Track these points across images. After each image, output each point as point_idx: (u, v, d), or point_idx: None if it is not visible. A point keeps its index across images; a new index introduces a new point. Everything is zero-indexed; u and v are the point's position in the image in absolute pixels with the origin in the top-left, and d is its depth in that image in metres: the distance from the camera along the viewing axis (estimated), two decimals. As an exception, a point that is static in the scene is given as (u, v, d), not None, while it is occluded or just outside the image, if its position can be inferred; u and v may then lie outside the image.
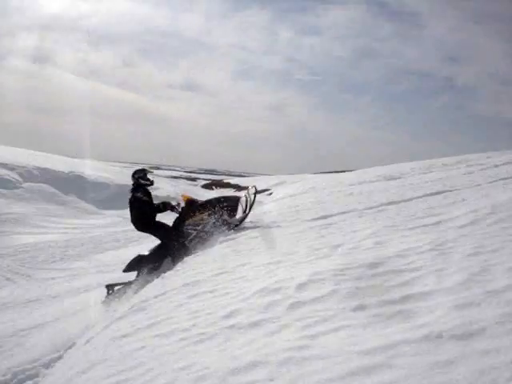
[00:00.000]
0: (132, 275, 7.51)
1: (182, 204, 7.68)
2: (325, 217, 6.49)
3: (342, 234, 4.91)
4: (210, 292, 3.88)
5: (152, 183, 7.69)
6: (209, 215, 7.42)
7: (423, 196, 7.17)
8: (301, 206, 8.91)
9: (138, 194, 7.45)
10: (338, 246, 4.32)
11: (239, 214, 7.66)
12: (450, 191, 7.30)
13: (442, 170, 12.46)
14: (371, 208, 6.63)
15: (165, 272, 6.96)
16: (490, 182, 7.74)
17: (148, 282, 6.75)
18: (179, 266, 5.87)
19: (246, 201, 7.76)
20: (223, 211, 7.44)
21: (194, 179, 54.84)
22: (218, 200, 7.61)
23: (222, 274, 4.43)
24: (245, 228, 7.16)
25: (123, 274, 7.60)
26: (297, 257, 4.33)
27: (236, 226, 7.45)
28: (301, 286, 3.24)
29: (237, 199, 7.74)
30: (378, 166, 17.91)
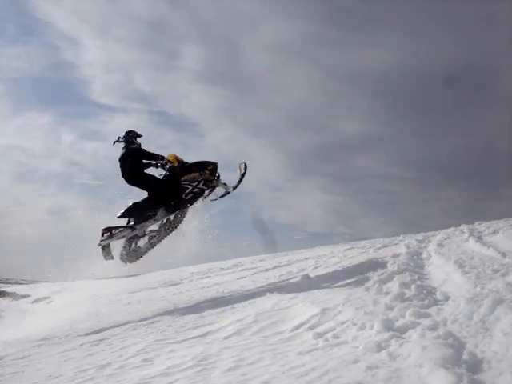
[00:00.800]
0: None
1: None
2: (97, 331, 6.21)
3: (112, 352, 4.75)
4: None
5: (140, 146, 8.52)
6: (200, 175, 8.73)
7: (197, 303, 7.36)
8: (76, 318, 8.38)
9: (135, 146, 8.41)
10: (106, 365, 4.18)
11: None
12: (223, 297, 7.61)
13: (218, 275, 12.95)
14: (146, 319, 6.56)
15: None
16: (259, 288, 8.09)
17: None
18: None
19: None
20: (209, 173, 8.80)
21: (-37, 289, 47.81)
22: (203, 163, 8.92)
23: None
24: (14, 346, 6.43)
25: (117, 219, 8.34)
26: (61, 380, 4.05)
27: (223, 195, 9.05)
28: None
29: (216, 164, 9.02)
30: (159, 271, 17.90)
